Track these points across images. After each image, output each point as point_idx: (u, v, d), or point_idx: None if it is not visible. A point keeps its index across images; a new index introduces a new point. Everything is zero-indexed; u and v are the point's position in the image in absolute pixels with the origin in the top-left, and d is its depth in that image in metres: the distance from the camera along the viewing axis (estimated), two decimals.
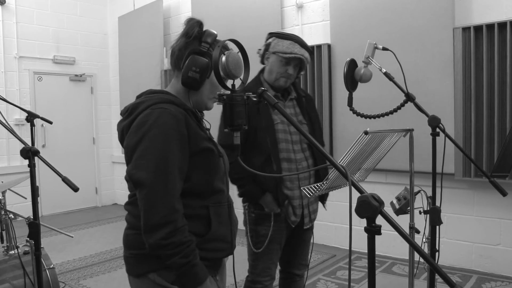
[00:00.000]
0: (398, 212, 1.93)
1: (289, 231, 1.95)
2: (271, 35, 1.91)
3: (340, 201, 3.93)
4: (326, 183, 1.59)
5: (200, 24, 1.23)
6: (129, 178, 1.14)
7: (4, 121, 2.02)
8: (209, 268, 1.19)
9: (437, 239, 1.80)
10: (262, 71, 1.97)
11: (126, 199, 1.27)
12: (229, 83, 1.14)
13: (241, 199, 1.98)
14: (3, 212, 2.23)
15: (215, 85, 1.22)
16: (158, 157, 1.10)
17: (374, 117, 1.83)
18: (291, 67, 1.85)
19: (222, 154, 1.26)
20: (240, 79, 1.15)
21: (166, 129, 1.11)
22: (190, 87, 1.19)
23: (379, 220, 0.84)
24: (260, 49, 1.94)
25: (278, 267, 2.06)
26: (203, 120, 1.30)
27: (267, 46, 1.89)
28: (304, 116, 1.95)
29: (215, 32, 1.23)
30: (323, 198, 2.05)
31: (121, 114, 1.25)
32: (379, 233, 0.85)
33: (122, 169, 5.19)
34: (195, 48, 1.18)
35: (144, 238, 1.10)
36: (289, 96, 1.96)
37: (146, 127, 1.11)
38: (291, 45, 1.82)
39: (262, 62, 1.96)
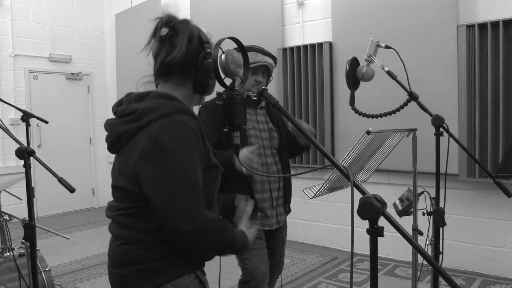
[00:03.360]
0: (401, 213, 1.94)
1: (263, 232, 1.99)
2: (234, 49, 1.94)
3: (341, 202, 3.90)
4: (327, 183, 1.58)
5: (191, 24, 1.19)
6: (152, 198, 1.05)
7: None
8: (199, 269, 1.19)
9: (441, 241, 1.79)
10: None
11: None
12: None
13: None
14: None
15: (214, 83, 1.23)
16: (190, 182, 1.05)
17: (376, 116, 1.83)
18: (259, 75, 1.96)
19: (222, 170, 1.25)
20: (240, 77, 1.13)
21: (190, 147, 1.06)
22: (208, 93, 1.20)
23: (382, 221, 0.84)
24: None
25: None
26: None
27: None
28: (274, 123, 2.05)
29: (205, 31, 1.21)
30: (286, 202, 2.06)
31: (116, 113, 1.16)
32: (382, 235, 0.84)
33: None
34: (204, 53, 1.15)
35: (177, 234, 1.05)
36: (259, 105, 2.04)
37: (170, 145, 1.04)
38: (254, 55, 1.92)
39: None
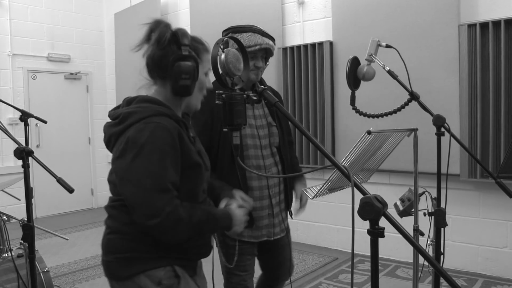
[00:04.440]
0: (402, 214, 1.93)
1: (261, 242, 1.83)
2: (226, 32, 1.77)
3: (342, 202, 3.89)
4: (327, 184, 1.56)
5: (169, 26, 1.21)
6: (122, 192, 1.16)
7: None
8: (187, 269, 1.26)
9: (442, 241, 1.79)
10: None
11: None
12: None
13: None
14: None
15: (202, 84, 1.25)
16: (153, 176, 1.11)
17: (377, 116, 1.82)
18: (258, 60, 1.73)
19: (208, 168, 1.29)
20: (240, 77, 1.14)
21: (160, 145, 1.12)
22: (183, 95, 1.20)
23: (383, 222, 0.84)
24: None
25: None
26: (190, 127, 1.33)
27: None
28: (274, 117, 1.86)
29: (184, 30, 1.22)
30: (288, 206, 1.92)
31: (109, 116, 1.25)
32: (383, 236, 0.84)
33: None
34: (178, 55, 1.17)
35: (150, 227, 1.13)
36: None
37: (141, 142, 1.12)
38: (253, 37, 1.69)
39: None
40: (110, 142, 1.22)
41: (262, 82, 1.89)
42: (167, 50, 1.19)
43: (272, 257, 1.93)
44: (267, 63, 1.82)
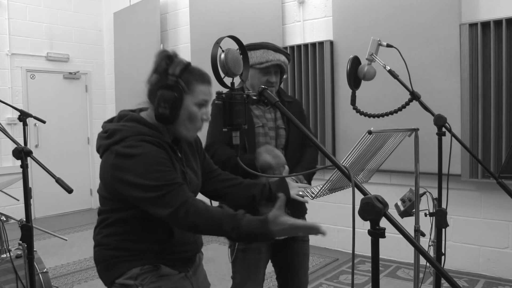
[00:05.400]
0: (402, 214, 1.92)
1: (273, 243, 1.80)
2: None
3: (343, 203, 3.87)
4: (327, 184, 1.55)
5: (168, 56, 1.25)
6: (135, 200, 1.20)
7: None
8: (179, 266, 1.33)
9: (443, 242, 1.79)
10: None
11: None
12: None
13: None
14: None
15: (193, 116, 1.25)
16: (156, 172, 1.17)
17: (378, 116, 1.82)
18: (271, 75, 1.81)
19: (190, 189, 1.30)
20: (240, 76, 1.15)
21: (153, 151, 1.19)
22: (163, 122, 1.24)
23: (383, 222, 0.83)
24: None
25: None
26: (182, 151, 1.36)
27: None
28: (283, 121, 1.90)
29: (185, 61, 1.25)
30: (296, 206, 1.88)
31: (102, 127, 1.32)
32: (383, 236, 0.84)
33: None
34: (163, 84, 1.22)
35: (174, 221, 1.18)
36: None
37: (132, 151, 1.18)
38: (265, 53, 1.78)
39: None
40: (99, 151, 1.30)
41: (279, 91, 1.95)
42: (161, 78, 1.24)
43: (285, 257, 1.89)
44: (284, 76, 1.89)
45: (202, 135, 1.97)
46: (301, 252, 1.90)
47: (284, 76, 1.91)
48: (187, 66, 1.24)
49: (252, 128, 1.81)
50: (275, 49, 1.81)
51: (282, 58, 1.81)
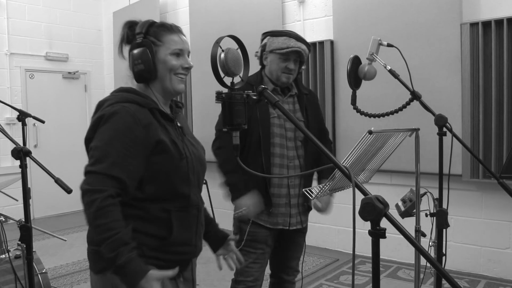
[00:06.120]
0: (403, 214, 1.92)
1: (277, 232, 1.91)
2: (265, 34, 1.92)
3: (343, 203, 3.86)
4: (328, 184, 1.56)
5: (130, 23, 1.28)
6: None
7: None
8: (171, 268, 1.20)
9: (444, 242, 1.78)
10: (263, 67, 1.98)
11: None
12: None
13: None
14: None
15: (170, 65, 1.24)
16: (100, 152, 1.15)
17: (378, 116, 1.82)
18: (290, 62, 1.84)
19: (184, 157, 1.23)
20: (240, 76, 1.13)
21: (118, 126, 1.14)
22: (144, 80, 1.23)
23: (384, 223, 0.83)
24: (257, 52, 1.95)
25: (269, 271, 2.05)
26: (176, 115, 1.32)
27: (263, 46, 1.93)
28: (303, 113, 1.95)
29: (150, 20, 1.27)
30: (307, 200, 1.97)
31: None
32: (384, 237, 0.84)
33: None
34: (132, 45, 1.25)
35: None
36: (289, 93, 1.95)
37: (101, 122, 1.16)
38: (287, 40, 1.82)
39: (262, 64, 1.96)
40: (89, 132, 1.26)
41: (297, 82, 1.98)
42: (130, 45, 1.26)
43: (282, 247, 1.97)
44: (302, 67, 1.93)
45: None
46: (291, 240, 1.97)
47: (303, 67, 1.94)
48: (152, 23, 1.26)
49: (268, 118, 1.83)
50: (297, 37, 1.84)
51: (303, 46, 1.84)
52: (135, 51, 1.22)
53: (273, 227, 1.87)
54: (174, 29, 1.27)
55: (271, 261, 2.03)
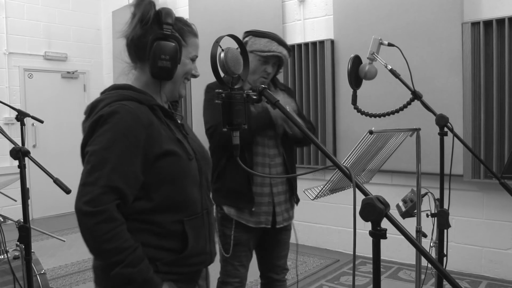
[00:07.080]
0: (404, 215, 1.92)
1: (260, 232, 1.91)
2: (248, 33, 1.90)
3: (343, 203, 3.85)
4: (328, 184, 1.55)
5: (153, 4, 1.14)
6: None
7: None
8: (186, 281, 1.16)
9: (445, 243, 1.78)
10: None
11: None
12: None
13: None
14: None
15: (186, 69, 1.18)
16: (97, 158, 1.03)
17: (379, 115, 1.82)
18: (269, 66, 1.84)
19: (192, 157, 1.16)
20: (240, 76, 1.11)
21: (117, 128, 1.05)
22: (163, 78, 1.12)
23: (385, 223, 0.83)
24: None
25: (258, 272, 2.06)
26: (176, 113, 1.24)
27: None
28: (296, 111, 1.95)
29: (170, 10, 1.15)
30: (292, 193, 1.97)
31: (84, 113, 1.19)
32: (385, 237, 0.84)
33: None
34: (158, 33, 1.10)
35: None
36: (279, 87, 1.96)
37: (99, 124, 1.06)
38: (269, 43, 1.80)
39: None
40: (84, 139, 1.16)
41: (274, 80, 1.97)
42: (148, 30, 1.12)
43: (267, 246, 1.98)
44: (280, 71, 1.91)
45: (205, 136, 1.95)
46: (276, 239, 1.97)
47: (280, 71, 1.92)
48: (179, 18, 1.16)
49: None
50: (279, 41, 1.84)
51: (284, 51, 1.83)
52: (163, 43, 1.08)
53: (255, 226, 1.86)
54: (196, 34, 1.21)
55: (258, 262, 2.04)
